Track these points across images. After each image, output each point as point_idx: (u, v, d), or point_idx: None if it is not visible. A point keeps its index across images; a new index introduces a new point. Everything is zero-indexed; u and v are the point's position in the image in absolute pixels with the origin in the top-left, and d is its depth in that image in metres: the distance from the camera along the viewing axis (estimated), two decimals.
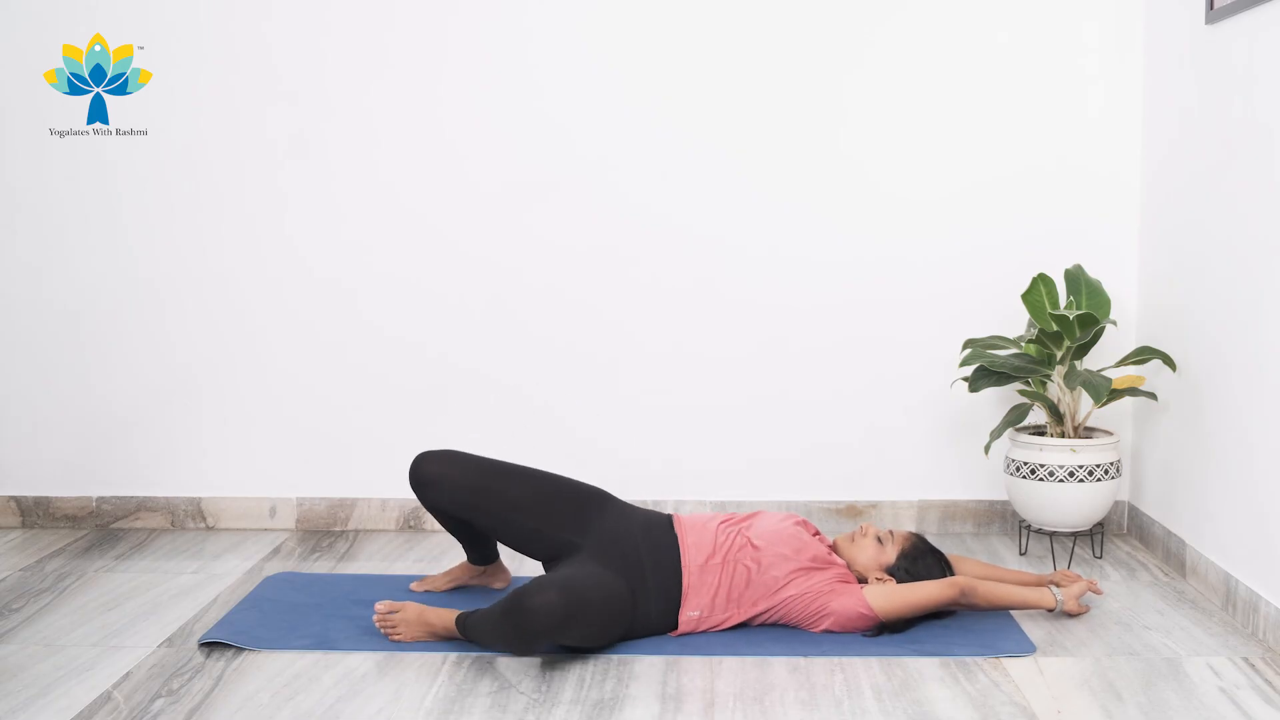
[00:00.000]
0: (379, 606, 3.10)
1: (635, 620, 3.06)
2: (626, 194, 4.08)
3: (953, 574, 3.26)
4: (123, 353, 4.17)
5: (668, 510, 4.09)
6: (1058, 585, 3.28)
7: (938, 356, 4.01)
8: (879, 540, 3.25)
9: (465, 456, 3.31)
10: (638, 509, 3.29)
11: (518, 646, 2.93)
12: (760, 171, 4.07)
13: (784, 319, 4.10)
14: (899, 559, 3.22)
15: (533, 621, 2.84)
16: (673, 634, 3.12)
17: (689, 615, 3.10)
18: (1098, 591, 3.30)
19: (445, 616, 3.07)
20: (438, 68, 4.07)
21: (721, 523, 3.22)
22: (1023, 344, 3.76)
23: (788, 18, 4.02)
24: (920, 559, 3.23)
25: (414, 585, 3.50)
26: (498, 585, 3.52)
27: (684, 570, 3.11)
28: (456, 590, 3.49)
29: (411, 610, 3.09)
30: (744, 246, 4.08)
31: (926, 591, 3.12)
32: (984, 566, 3.37)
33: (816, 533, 3.29)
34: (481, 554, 3.46)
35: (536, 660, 2.96)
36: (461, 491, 3.24)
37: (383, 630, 3.09)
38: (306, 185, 4.11)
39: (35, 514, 4.22)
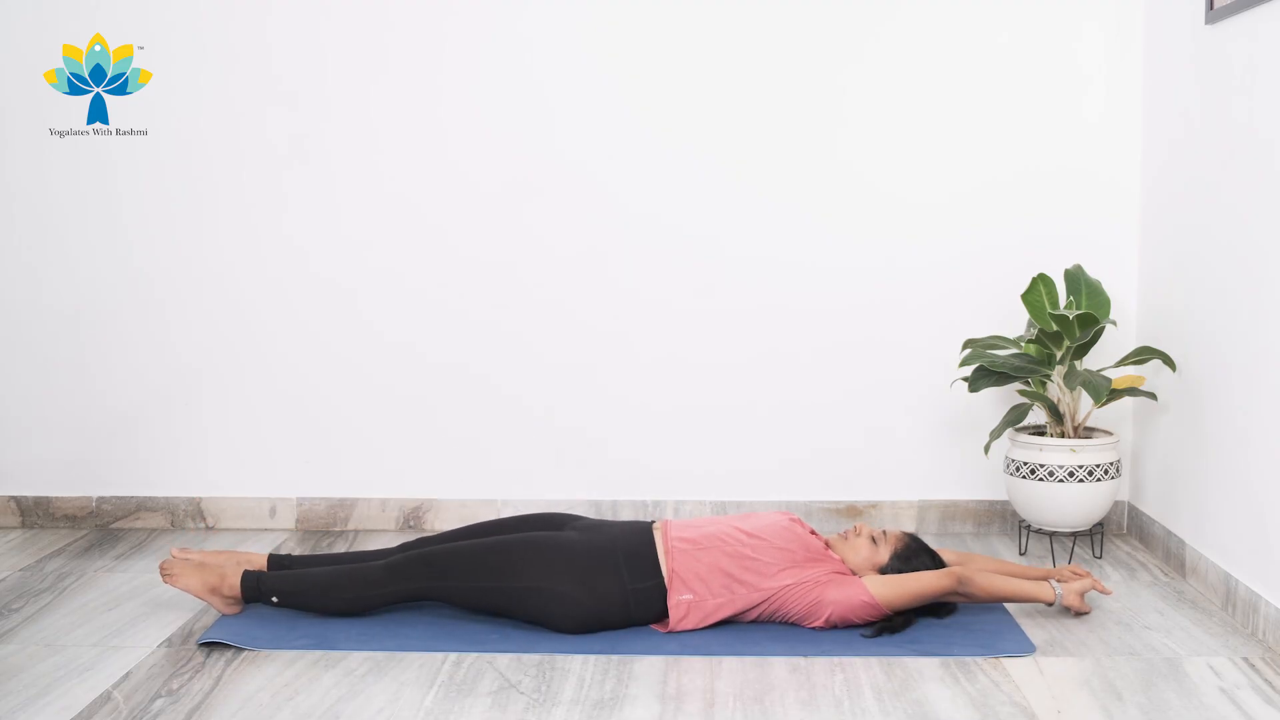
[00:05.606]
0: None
1: (607, 599, 3.08)
2: (628, 196, 4.08)
3: None
4: (123, 353, 4.17)
5: (668, 512, 4.11)
6: (1062, 580, 3.28)
7: (938, 357, 4.01)
8: (872, 540, 3.25)
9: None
10: (613, 522, 3.34)
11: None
12: (761, 175, 4.06)
13: (786, 322, 4.10)
14: (892, 559, 3.22)
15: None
16: (665, 626, 3.12)
17: (680, 599, 3.10)
18: (1104, 590, 3.28)
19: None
20: (437, 68, 4.07)
21: (712, 520, 3.25)
22: (1023, 344, 3.76)
23: (786, 22, 4.01)
24: (914, 558, 3.23)
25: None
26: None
27: (666, 555, 3.12)
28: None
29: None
30: (745, 250, 4.08)
31: (925, 581, 3.13)
32: (993, 562, 3.38)
33: (812, 531, 3.30)
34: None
35: (536, 660, 2.96)
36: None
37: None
38: (306, 185, 4.11)
39: (35, 514, 4.22)
